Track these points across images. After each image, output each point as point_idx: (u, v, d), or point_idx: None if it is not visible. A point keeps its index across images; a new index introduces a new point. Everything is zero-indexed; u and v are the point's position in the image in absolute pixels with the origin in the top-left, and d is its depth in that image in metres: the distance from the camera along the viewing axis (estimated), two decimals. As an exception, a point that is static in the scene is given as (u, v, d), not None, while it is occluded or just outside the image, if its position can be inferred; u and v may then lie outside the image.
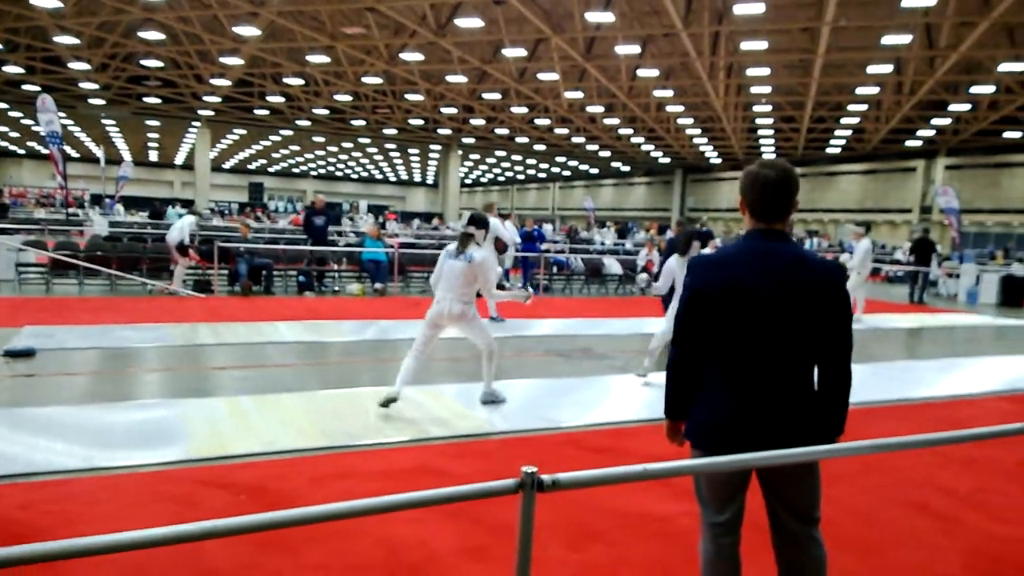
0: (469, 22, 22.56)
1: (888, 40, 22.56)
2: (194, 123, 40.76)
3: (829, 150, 41.26)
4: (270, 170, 67.85)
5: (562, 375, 7.47)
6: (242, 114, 38.28)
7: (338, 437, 4.95)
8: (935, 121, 32.74)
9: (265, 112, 37.69)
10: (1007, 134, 33.12)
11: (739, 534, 2.54)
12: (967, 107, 30.33)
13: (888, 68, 25.88)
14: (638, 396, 6.72)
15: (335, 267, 14.53)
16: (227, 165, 64.04)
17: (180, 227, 12.48)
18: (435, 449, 4.86)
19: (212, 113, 38.37)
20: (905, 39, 22.40)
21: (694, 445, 2.53)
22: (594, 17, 22.13)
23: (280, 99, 34.81)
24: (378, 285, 13.71)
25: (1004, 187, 36.02)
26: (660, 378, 7.48)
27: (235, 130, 45.17)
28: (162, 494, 3.88)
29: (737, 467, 2.18)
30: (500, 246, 9.92)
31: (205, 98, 34.78)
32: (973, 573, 3.38)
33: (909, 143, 37.40)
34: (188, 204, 42.15)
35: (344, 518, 1.71)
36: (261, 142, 51.25)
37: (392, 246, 14.91)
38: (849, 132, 36.90)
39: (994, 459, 5.04)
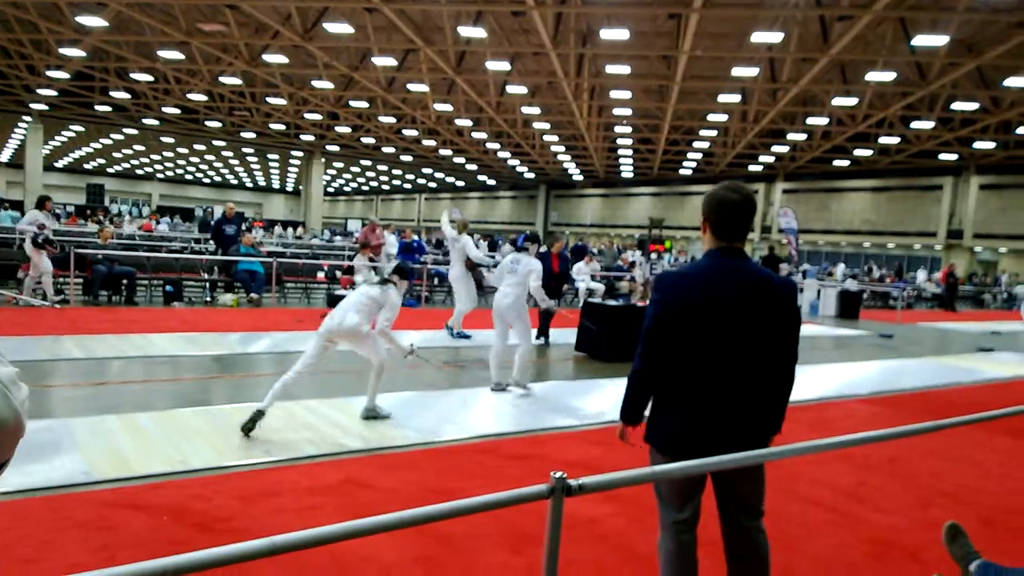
0: (337, 27, 22.10)
1: (737, 72, 24.31)
2: (25, 117, 37.25)
3: (682, 171, 43.81)
4: (109, 171, 63.08)
5: (463, 386, 7.50)
6: (81, 110, 35.42)
7: (251, 453, 4.74)
8: (775, 148, 35.62)
9: (107, 108, 35.06)
10: (837, 162, 36.60)
11: (696, 531, 2.70)
12: (803, 136, 33.23)
13: (736, 98, 27.91)
14: (541, 404, 6.87)
15: (205, 276, 13.72)
16: (60, 164, 58.99)
17: (28, 221, 11.40)
18: (357, 463, 4.76)
19: (46, 107, 35.23)
20: (752, 71, 24.21)
21: (660, 450, 2.66)
22: (465, 31, 22.37)
23: (125, 95, 32.51)
24: (253, 296, 13.15)
25: (833, 210, 39.69)
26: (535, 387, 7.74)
27: (72, 126, 41.73)
28: (71, 520, 3.57)
29: (723, 468, 2.34)
30: (470, 264, 9.94)
31: (40, 91, 31.91)
32: (874, 560, 3.74)
33: (752, 167, 40.44)
34: (17, 205, 38.49)
35: (361, 536, 1.66)
36: (101, 140, 47.62)
37: (267, 256, 14.37)
38: (700, 156, 39.39)
39: (867, 455, 5.58)
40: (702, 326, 2.54)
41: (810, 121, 30.58)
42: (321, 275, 14.96)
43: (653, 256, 28.92)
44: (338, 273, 14.54)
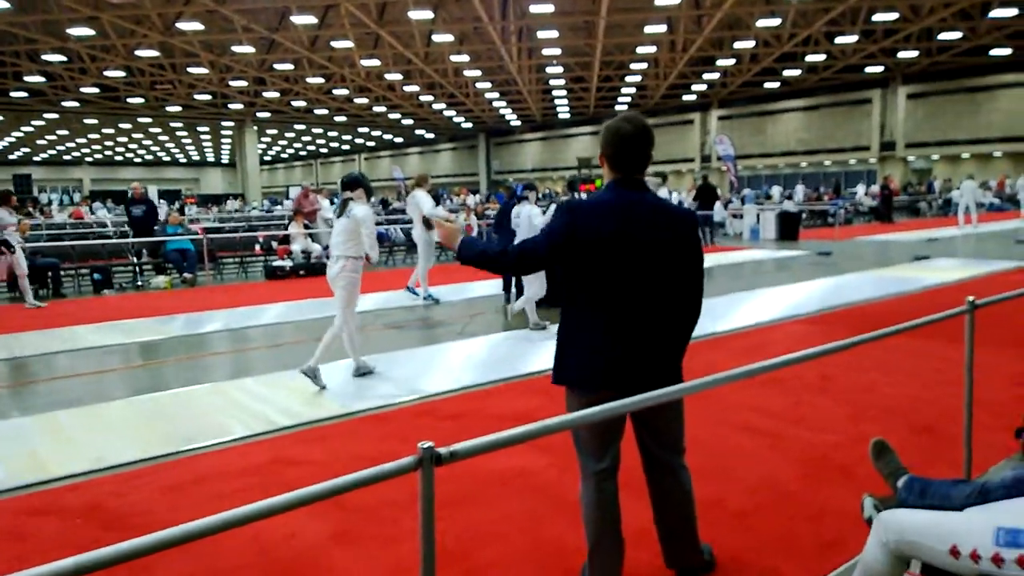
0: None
1: (660, 1, 24.09)
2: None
3: (617, 107, 43.54)
4: (36, 159, 60.33)
5: (404, 346, 7.43)
6: (-8, 98, 33.69)
7: (176, 441, 4.62)
8: (706, 76, 35.61)
9: (23, 94, 33.37)
10: (767, 84, 36.76)
11: (618, 479, 2.68)
12: (732, 61, 33.25)
13: (662, 28, 27.70)
14: (481, 358, 6.85)
15: (135, 260, 13.28)
16: (-22, 156, 56.36)
17: None
18: (289, 439, 4.68)
19: (-46, 98, 33.43)
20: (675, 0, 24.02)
21: (574, 387, 2.61)
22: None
23: (40, 79, 30.94)
24: (186, 275, 12.79)
25: (769, 133, 40.05)
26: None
27: (-13, 116, 39.73)
28: (-18, 532, 3.44)
29: (616, 413, 2.25)
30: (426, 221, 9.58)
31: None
32: (807, 480, 3.81)
33: (686, 98, 40.45)
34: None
35: (225, 529, 1.53)
36: (22, 128, 45.44)
37: (196, 232, 13.92)
38: (633, 90, 39.23)
39: (800, 376, 5.69)
40: (606, 258, 2.49)
41: (737, 45, 30.59)
42: (258, 248, 14.57)
43: (583, 196, 28.93)
44: (274, 244, 14.18)
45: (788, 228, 18.26)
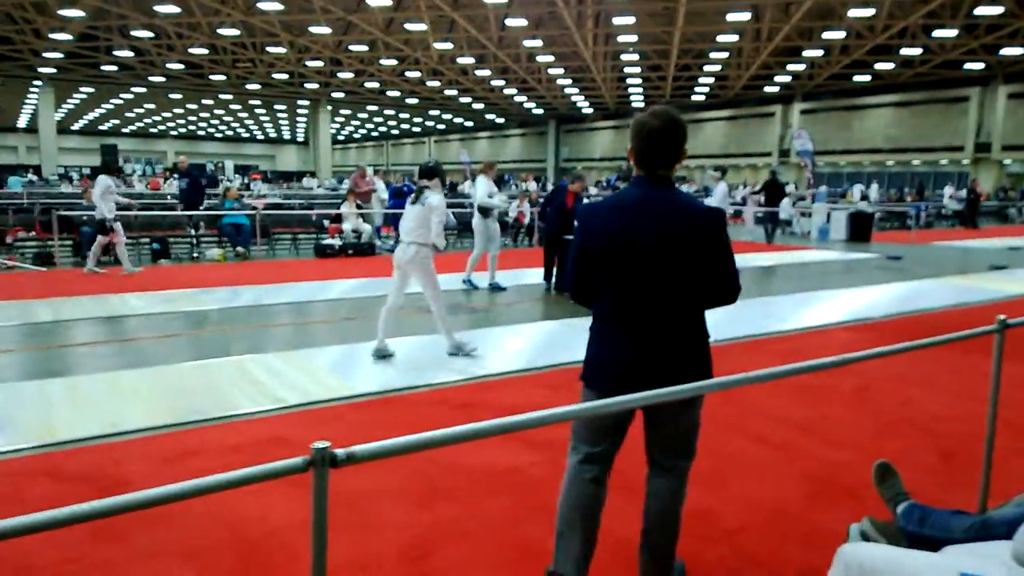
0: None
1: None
2: (36, 82, 37.18)
3: (695, 97, 42.59)
4: (124, 131, 63.15)
5: (432, 331, 7.36)
6: (88, 71, 35.26)
7: (185, 413, 4.66)
8: (791, 67, 34.33)
9: (114, 68, 34.83)
10: (857, 77, 35.18)
11: (603, 474, 2.60)
12: (820, 52, 31.94)
13: (746, 16, 26.79)
14: (504, 348, 6.73)
15: (192, 232, 13.63)
16: (76, 127, 59.17)
17: (103, 188, 10.79)
18: (293, 418, 4.66)
19: (55, 71, 35.10)
20: (760, -14, 23.18)
21: (588, 385, 2.59)
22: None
23: (129, 54, 32.22)
24: (239, 249, 13.07)
25: (855, 129, 38.39)
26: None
27: (82, 89, 41.65)
28: (-20, 491, 3.52)
29: (614, 410, 2.20)
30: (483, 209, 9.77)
31: (46, 54, 31.73)
32: (809, 497, 3.55)
33: (768, 89, 39.12)
34: (36, 169, 38.77)
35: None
36: (112, 101, 47.55)
37: (254, 207, 14.21)
38: (712, 80, 38.16)
39: (835, 386, 5.35)
40: (619, 256, 2.48)
41: (827, 36, 29.30)
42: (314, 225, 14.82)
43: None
44: (326, 222, 14.36)
45: (860, 229, 17.42)
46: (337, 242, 13.51)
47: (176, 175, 14.41)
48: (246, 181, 29.88)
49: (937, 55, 30.54)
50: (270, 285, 10.08)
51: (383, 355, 6.12)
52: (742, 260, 12.51)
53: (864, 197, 24.48)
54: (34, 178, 33.38)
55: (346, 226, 13.62)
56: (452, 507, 3.40)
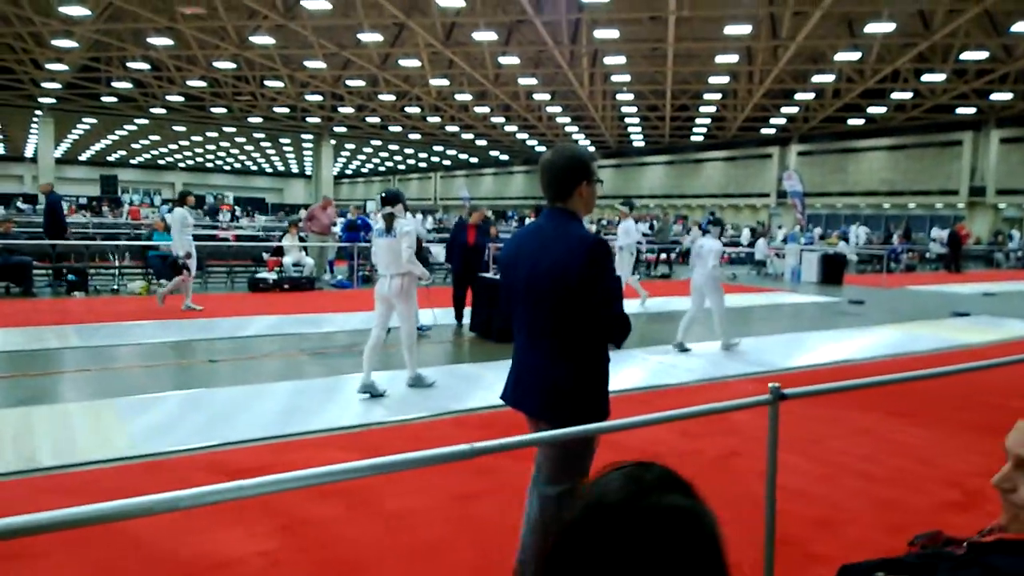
0: (316, 3, 21.72)
1: (731, 30, 23.43)
2: (37, 112, 37.79)
3: (693, 138, 42.77)
4: (132, 162, 63.94)
5: (296, 377, 7.19)
6: (88, 102, 35.76)
7: None
8: (785, 109, 34.43)
9: (114, 100, 35.35)
10: (851, 121, 35.24)
11: (533, 492, 2.81)
12: (812, 96, 32.03)
13: (734, 58, 26.95)
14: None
15: (116, 263, 13.32)
16: (84, 157, 59.98)
17: (181, 222, 10.46)
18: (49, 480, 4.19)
19: (54, 101, 35.64)
20: (745, 29, 23.31)
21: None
22: (445, 2, 21.87)
23: (128, 85, 32.71)
24: (164, 282, 12.51)
25: (850, 171, 38.34)
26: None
27: (84, 119, 42.23)
28: None
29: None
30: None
31: (45, 84, 32.26)
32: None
33: (764, 131, 39.25)
34: (30, 198, 39.11)
35: None
36: (116, 132, 48.19)
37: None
38: (709, 120, 38.32)
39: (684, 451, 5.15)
40: (511, 282, 2.71)
41: (817, 79, 29.40)
42: (267, 257, 14.43)
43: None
44: (265, 255, 14.06)
45: (831, 272, 17.16)
46: (272, 276, 13.11)
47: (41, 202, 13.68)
48: (205, 210, 29.76)
49: (928, 99, 30.56)
50: (157, 321, 9.50)
51: (371, 392, 6.04)
52: (663, 304, 12.07)
53: (844, 238, 24.28)
54: (24, 207, 33.64)
55: (287, 259, 13.30)
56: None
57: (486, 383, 6.53)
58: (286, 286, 12.92)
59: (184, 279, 10.47)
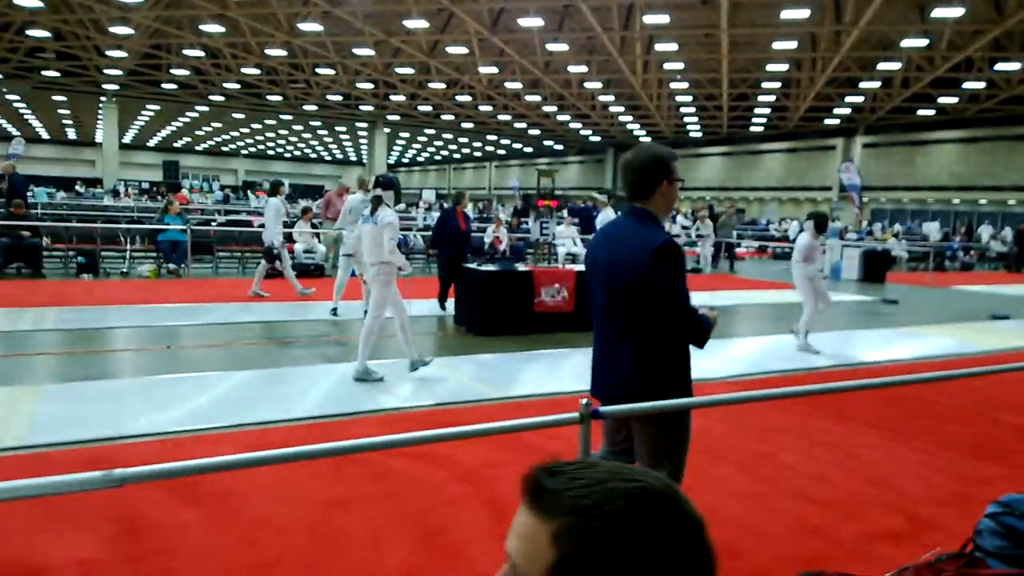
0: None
1: (787, 15, 22.43)
2: (102, 98, 39.12)
3: (753, 128, 41.39)
4: (197, 148, 65.79)
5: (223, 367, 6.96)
6: (150, 88, 36.75)
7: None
8: (850, 99, 32.91)
9: (174, 87, 36.25)
10: (920, 112, 33.46)
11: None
12: (878, 84, 30.50)
13: (794, 44, 25.80)
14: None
15: (127, 247, 13.37)
16: (152, 143, 61.94)
17: (271, 220, 10.46)
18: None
19: (117, 87, 36.77)
20: (803, 13, 22.30)
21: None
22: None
23: (187, 73, 33.48)
24: (170, 267, 12.60)
25: (918, 164, 36.50)
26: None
27: (148, 106, 43.51)
28: None
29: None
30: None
31: (108, 71, 33.29)
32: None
33: (828, 121, 37.66)
34: (98, 183, 40.56)
35: None
36: (179, 119, 49.48)
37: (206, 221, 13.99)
38: (769, 110, 36.96)
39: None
40: (591, 279, 2.82)
41: (883, 66, 27.92)
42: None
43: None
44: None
45: (874, 268, 16.17)
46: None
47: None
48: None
49: (1003, 90, 28.72)
50: (143, 306, 9.42)
51: (365, 378, 6.00)
52: (702, 297, 11.45)
53: (896, 235, 23.02)
54: (81, 190, 34.64)
55: (298, 247, 13.18)
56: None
57: (446, 378, 6.25)
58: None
59: (270, 266, 10.51)
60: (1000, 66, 26.01)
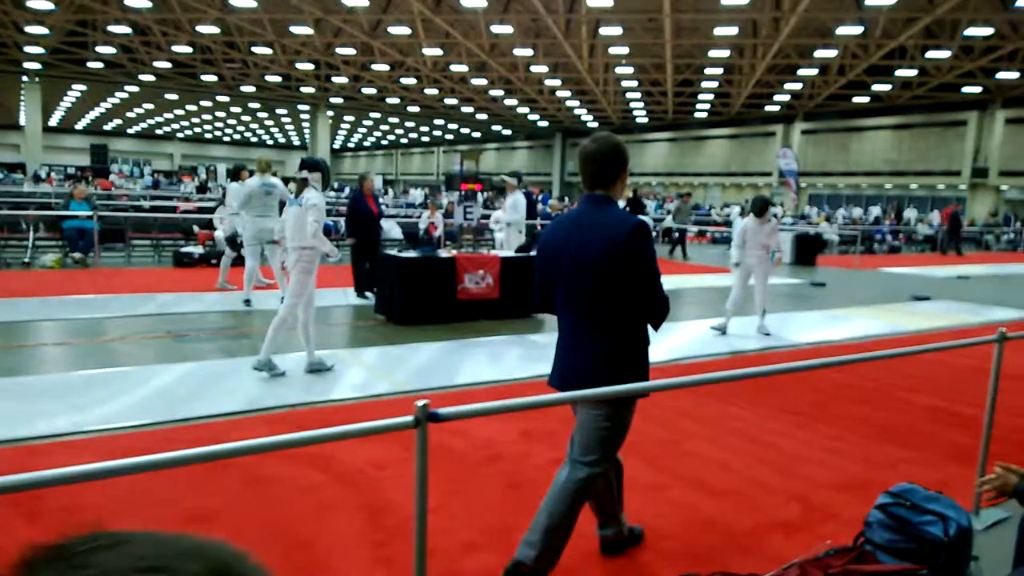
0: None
1: (727, 1, 22.53)
2: (23, 78, 37.29)
3: (697, 114, 41.71)
4: (129, 131, 63.42)
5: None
6: (75, 68, 35.11)
7: None
8: (789, 86, 33.38)
9: (100, 66, 34.73)
10: (856, 99, 34.12)
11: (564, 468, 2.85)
12: (816, 71, 30.96)
13: (735, 30, 25.97)
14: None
15: (30, 235, 12.59)
16: (80, 126, 59.48)
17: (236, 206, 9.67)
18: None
19: (40, 66, 35.08)
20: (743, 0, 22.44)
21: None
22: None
23: (114, 51, 32.07)
24: (76, 256, 11.90)
25: (853, 151, 37.30)
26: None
27: (74, 86, 41.65)
28: None
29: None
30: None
31: (29, 49, 31.70)
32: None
33: (769, 108, 38.19)
34: (20, 168, 38.76)
35: None
36: (108, 100, 47.56)
37: (119, 207, 13.29)
38: (712, 96, 37.26)
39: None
40: (552, 268, 2.76)
41: (820, 54, 28.33)
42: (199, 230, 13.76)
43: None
44: (196, 228, 13.32)
45: (806, 252, 16.44)
46: (197, 250, 12.37)
47: None
48: (173, 181, 29.16)
49: (934, 77, 29.48)
50: (42, 298, 8.78)
51: (265, 371, 5.70)
52: None
53: (828, 218, 23.48)
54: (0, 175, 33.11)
55: (218, 233, 12.61)
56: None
57: (350, 372, 5.99)
58: (213, 261, 11.86)
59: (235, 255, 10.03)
60: (931, 54, 26.66)
